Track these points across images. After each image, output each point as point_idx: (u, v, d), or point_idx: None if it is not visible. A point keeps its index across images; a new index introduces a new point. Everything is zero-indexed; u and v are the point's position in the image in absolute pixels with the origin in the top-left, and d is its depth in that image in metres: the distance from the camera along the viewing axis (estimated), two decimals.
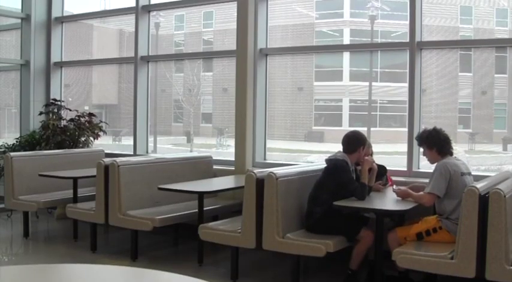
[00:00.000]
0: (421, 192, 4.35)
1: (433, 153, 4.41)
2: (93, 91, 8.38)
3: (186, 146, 7.44)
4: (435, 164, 4.36)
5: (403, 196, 4.40)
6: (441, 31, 5.66)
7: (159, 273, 2.30)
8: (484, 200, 3.71)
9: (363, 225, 4.43)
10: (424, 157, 4.67)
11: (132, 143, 7.23)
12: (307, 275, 4.89)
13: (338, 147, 4.70)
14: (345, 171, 4.47)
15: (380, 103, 6.28)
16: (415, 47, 5.34)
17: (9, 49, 8.49)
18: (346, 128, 5.87)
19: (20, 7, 7.97)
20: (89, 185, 5.98)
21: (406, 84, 5.43)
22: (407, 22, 5.41)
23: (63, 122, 7.34)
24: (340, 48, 6.33)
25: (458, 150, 4.60)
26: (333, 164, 4.52)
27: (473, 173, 4.47)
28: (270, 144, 6.36)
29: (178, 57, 7.57)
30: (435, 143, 4.39)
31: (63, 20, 8.09)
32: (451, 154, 4.41)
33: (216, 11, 7.38)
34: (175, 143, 7.78)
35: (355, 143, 4.60)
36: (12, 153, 6.32)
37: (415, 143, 5.26)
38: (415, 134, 5.26)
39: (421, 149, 4.79)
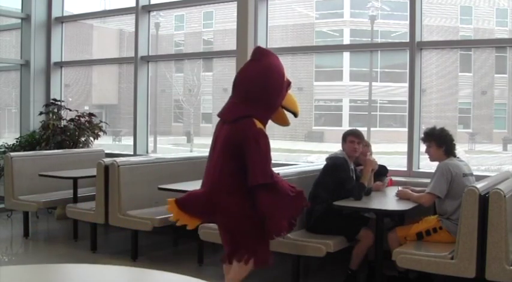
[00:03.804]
0: (421, 193, 4.36)
1: (440, 151, 4.36)
2: (93, 91, 8.37)
3: (186, 146, 7.44)
4: (436, 164, 4.36)
5: (403, 197, 4.40)
6: (441, 31, 5.66)
7: (159, 273, 2.29)
8: (484, 200, 3.71)
9: (363, 225, 4.42)
10: (424, 157, 4.66)
11: (132, 143, 7.22)
12: (307, 275, 4.89)
13: (338, 147, 4.70)
14: (344, 169, 4.47)
15: (380, 103, 6.28)
16: (415, 47, 5.33)
17: (9, 49, 8.49)
18: (346, 128, 5.84)
19: (20, 7, 7.96)
20: (89, 185, 5.97)
21: (406, 84, 5.43)
22: (407, 22, 5.40)
23: (63, 122, 7.33)
24: (340, 48, 6.33)
25: (458, 150, 4.59)
26: (332, 162, 4.53)
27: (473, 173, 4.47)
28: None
29: (178, 57, 7.56)
30: (445, 142, 4.37)
31: (63, 20, 8.08)
32: (455, 155, 4.41)
33: (216, 11, 7.38)
34: (175, 143, 7.78)
35: (344, 134, 4.65)
36: (12, 153, 6.32)
37: (415, 143, 5.26)
38: (415, 134, 5.25)
39: (422, 149, 4.78)
